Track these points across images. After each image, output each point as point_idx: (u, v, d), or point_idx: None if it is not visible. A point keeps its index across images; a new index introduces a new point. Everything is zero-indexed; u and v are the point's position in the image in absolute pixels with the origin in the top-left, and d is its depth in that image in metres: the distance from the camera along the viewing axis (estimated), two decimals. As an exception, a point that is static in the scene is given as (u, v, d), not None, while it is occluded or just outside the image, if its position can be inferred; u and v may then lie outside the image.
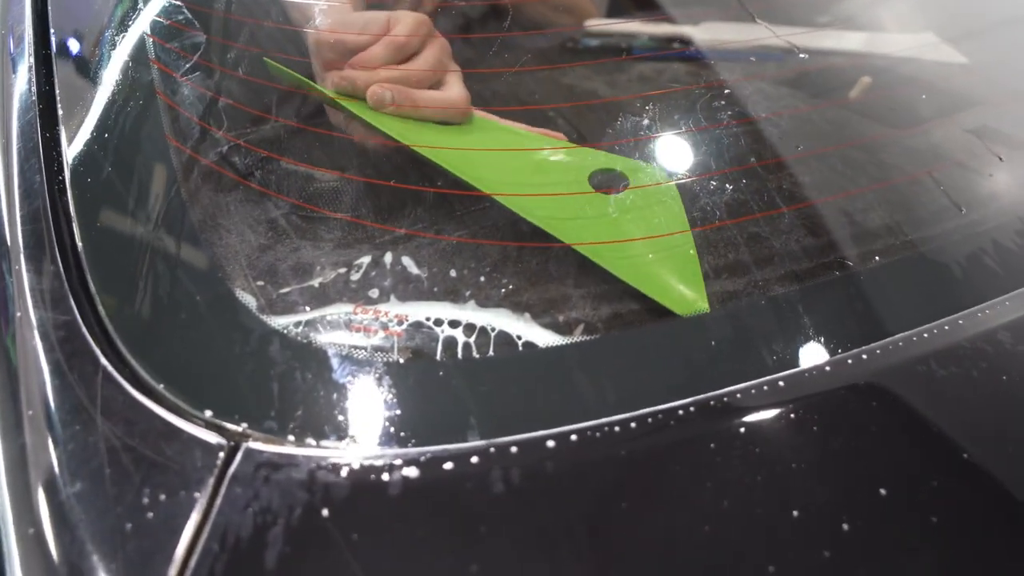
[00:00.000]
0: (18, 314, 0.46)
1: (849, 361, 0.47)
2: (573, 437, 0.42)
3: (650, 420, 0.43)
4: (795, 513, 0.40)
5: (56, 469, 0.41)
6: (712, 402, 0.45)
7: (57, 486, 0.40)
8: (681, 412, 0.44)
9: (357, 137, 0.56)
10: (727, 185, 0.56)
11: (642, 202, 0.54)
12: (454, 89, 0.58)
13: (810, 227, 0.56)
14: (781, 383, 0.46)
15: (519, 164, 0.56)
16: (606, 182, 0.55)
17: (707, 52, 0.67)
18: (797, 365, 0.47)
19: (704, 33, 0.68)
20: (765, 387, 0.45)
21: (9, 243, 0.49)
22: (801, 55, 0.63)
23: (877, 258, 0.54)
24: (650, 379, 0.45)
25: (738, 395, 0.45)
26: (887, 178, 0.60)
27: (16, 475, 0.42)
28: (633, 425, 0.43)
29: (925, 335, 0.49)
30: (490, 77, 0.69)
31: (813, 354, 0.48)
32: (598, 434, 0.43)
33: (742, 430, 0.43)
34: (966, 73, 0.74)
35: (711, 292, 0.50)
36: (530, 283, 0.49)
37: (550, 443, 0.42)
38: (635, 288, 0.49)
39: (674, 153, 0.60)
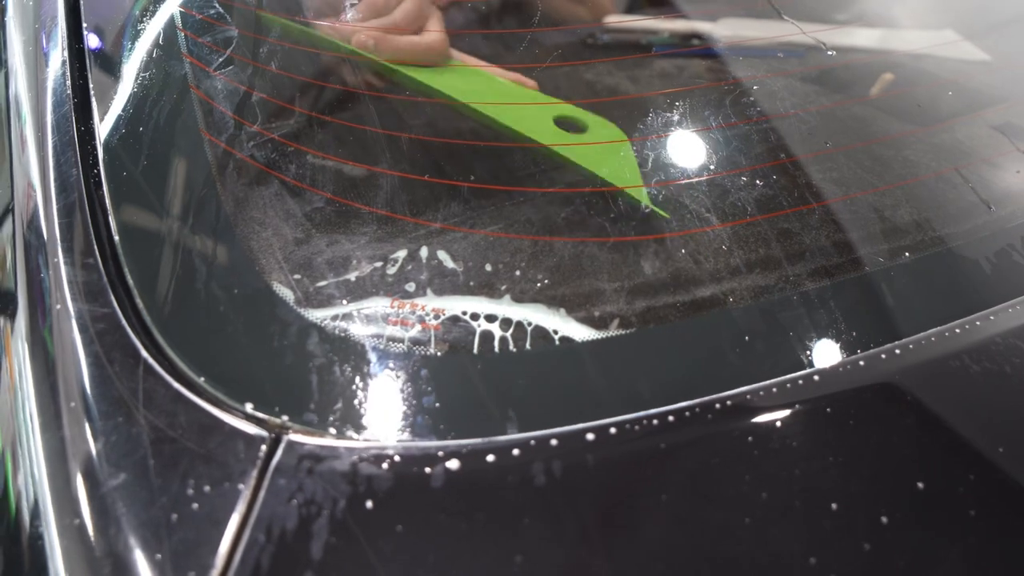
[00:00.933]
0: (57, 306, 0.46)
1: (882, 356, 0.47)
2: (612, 430, 0.43)
3: (688, 414, 0.44)
4: (834, 506, 0.41)
5: (98, 461, 0.41)
6: (749, 396, 0.45)
7: (99, 478, 0.40)
8: (718, 406, 0.44)
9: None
10: (757, 181, 0.56)
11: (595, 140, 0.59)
12: (431, 34, 0.65)
13: (838, 223, 0.56)
14: (816, 377, 0.46)
15: (490, 91, 0.62)
16: (567, 124, 0.60)
17: (733, 48, 0.67)
18: (831, 360, 0.47)
19: (730, 29, 0.68)
20: (800, 381, 0.46)
21: (46, 236, 0.49)
22: (829, 52, 0.63)
23: (907, 254, 0.54)
24: (688, 373, 0.45)
25: (774, 389, 0.45)
26: (915, 175, 0.60)
27: (57, 466, 0.42)
28: (671, 419, 0.43)
29: (957, 331, 0.49)
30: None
31: (845, 349, 0.48)
32: (637, 427, 0.43)
33: (779, 424, 0.44)
34: (989, 70, 0.74)
35: (746, 286, 0.51)
36: (564, 278, 0.49)
37: (589, 436, 0.42)
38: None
39: (698, 148, 0.60)
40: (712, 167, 0.58)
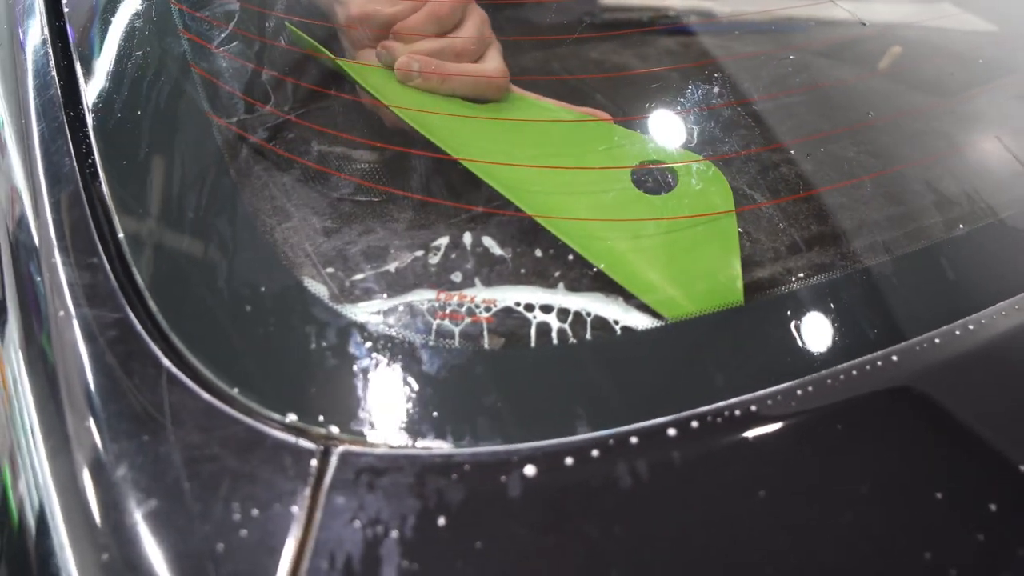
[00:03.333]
0: (59, 313, 0.40)
1: (957, 332, 0.45)
2: (694, 424, 0.39)
3: (770, 402, 0.40)
4: (939, 495, 0.38)
5: (124, 486, 0.36)
6: (829, 380, 0.42)
7: (128, 505, 0.35)
8: (799, 392, 0.41)
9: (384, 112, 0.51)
10: (808, 154, 0.53)
11: (689, 214, 0.49)
12: (491, 63, 0.54)
13: (888, 197, 0.54)
14: (894, 357, 0.43)
15: (552, 142, 0.51)
16: (650, 180, 0.50)
17: (767, 23, 0.64)
18: (908, 337, 0.44)
19: (760, 3, 0.66)
20: (879, 362, 0.43)
21: (37, 236, 0.44)
22: (863, 23, 0.61)
23: (961, 226, 0.52)
24: (765, 357, 0.42)
25: (854, 372, 0.42)
26: (955, 146, 0.58)
27: (73, 494, 0.37)
28: (754, 408, 0.40)
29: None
30: (526, 50, 0.65)
31: (919, 326, 0.45)
32: (719, 419, 0.39)
33: (869, 408, 0.41)
34: (999, 40, 0.73)
35: (797, 266, 0.48)
36: (621, 261, 0.45)
37: (671, 431, 0.39)
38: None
39: (737, 123, 0.57)
40: (753, 143, 0.55)
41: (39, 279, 0.42)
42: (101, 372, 0.39)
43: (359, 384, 0.39)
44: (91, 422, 0.38)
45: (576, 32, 0.61)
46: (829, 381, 0.41)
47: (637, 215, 0.48)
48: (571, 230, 0.45)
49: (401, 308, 0.42)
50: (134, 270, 0.42)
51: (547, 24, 0.70)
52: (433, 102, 0.50)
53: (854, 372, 0.42)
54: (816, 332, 0.43)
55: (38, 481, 0.39)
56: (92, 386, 0.39)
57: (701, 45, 0.65)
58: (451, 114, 0.50)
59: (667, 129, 0.56)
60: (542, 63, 0.66)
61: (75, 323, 0.40)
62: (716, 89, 0.56)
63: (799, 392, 0.41)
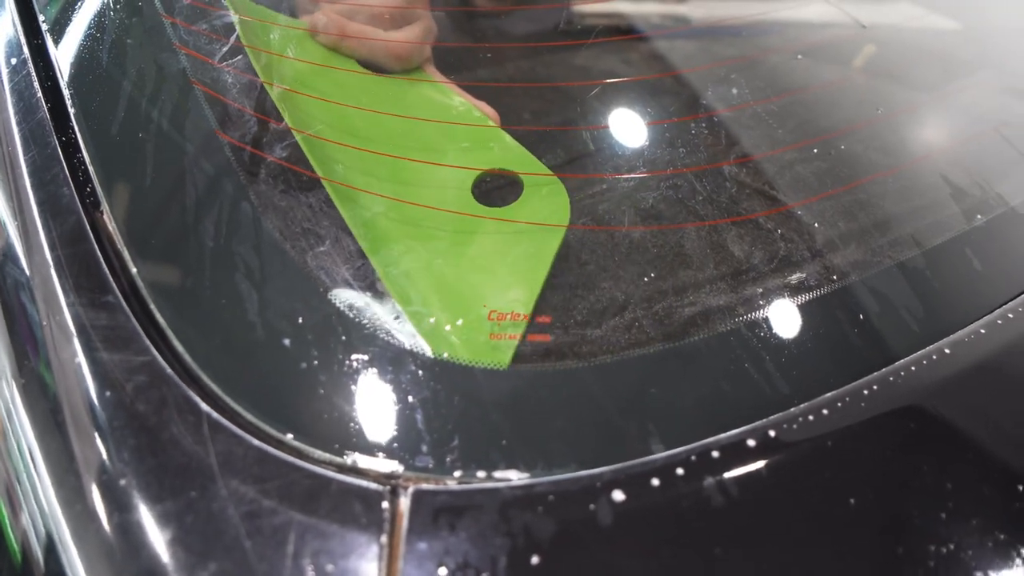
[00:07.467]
0: (74, 360, 0.36)
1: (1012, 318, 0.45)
2: (771, 433, 0.38)
3: (839, 404, 0.39)
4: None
5: (174, 551, 0.32)
6: (892, 378, 0.41)
7: (182, 573, 0.31)
8: (866, 392, 0.40)
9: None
10: (830, 151, 0.53)
11: (513, 233, 0.43)
12: (403, 34, 0.52)
13: (915, 188, 0.54)
14: (983, 329, 0.43)
15: (418, 129, 0.48)
16: (491, 189, 0.46)
17: (747, 27, 0.64)
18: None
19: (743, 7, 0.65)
20: (969, 337, 0.42)
21: (30, 273, 0.39)
22: (863, 26, 0.62)
23: (979, 216, 0.53)
24: (828, 358, 0.41)
25: (924, 361, 0.42)
26: (957, 139, 0.59)
27: (109, 568, 0.33)
28: (825, 412, 0.39)
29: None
30: (524, 56, 0.64)
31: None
32: (794, 426, 0.38)
33: (942, 401, 0.40)
34: (973, 38, 0.75)
35: (843, 263, 0.47)
36: (667, 270, 0.44)
37: (750, 442, 0.37)
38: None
39: (749, 125, 0.57)
40: (766, 145, 0.55)
41: (41, 323, 0.38)
42: (130, 425, 0.35)
43: (417, 416, 0.36)
44: (124, 480, 0.34)
45: (550, 40, 0.59)
46: (891, 379, 0.41)
47: (460, 224, 0.43)
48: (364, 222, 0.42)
49: (452, 329, 0.39)
50: (152, 307, 0.38)
51: (528, 31, 0.68)
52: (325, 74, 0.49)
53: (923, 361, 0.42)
54: (871, 331, 0.43)
55: (66, 562, 0.34)
56: (119, 442, 0.35)
57: (665, 51, 0.64)
58: (308, 94, 0.47)
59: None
60: (528, 69, 0.65)
61: (94, 370, 0.36)
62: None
63: (871, 388, 0.40)
